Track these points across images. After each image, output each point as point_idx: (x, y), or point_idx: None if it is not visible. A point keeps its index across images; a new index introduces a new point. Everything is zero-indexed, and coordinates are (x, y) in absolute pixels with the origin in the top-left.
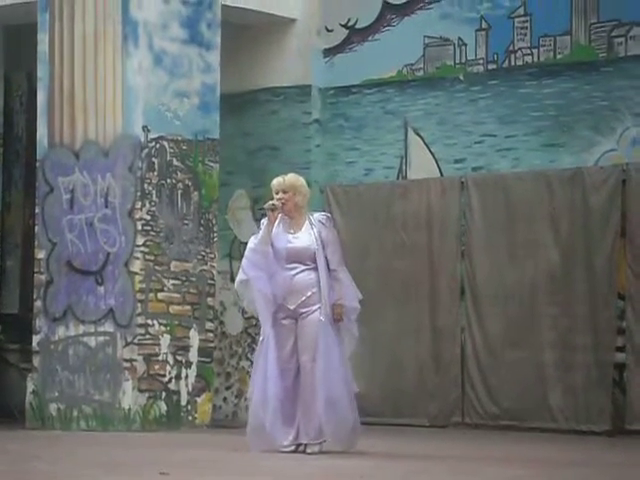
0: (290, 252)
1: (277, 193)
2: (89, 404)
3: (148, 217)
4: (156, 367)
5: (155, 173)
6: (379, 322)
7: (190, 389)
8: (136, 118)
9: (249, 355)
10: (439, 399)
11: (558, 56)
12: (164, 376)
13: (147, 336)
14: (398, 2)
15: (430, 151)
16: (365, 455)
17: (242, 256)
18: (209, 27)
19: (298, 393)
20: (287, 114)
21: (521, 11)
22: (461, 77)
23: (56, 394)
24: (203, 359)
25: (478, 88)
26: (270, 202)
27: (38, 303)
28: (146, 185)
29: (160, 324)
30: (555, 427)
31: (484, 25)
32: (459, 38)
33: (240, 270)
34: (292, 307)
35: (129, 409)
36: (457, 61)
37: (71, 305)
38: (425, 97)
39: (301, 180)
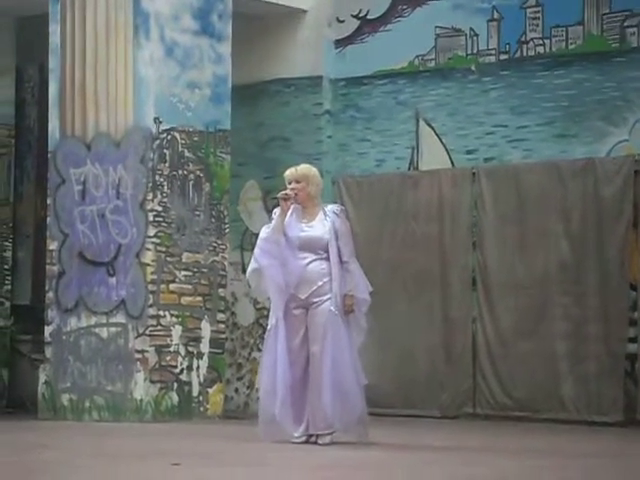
0: (303, 241)
1: (290, 183)
2: (101, 395)
3: (159, 208)
4: (168, 358)
5: (167, 164)
6: (390, 313)
7: (202, 380)
8: (147, 109)
9: (260, 346)
10: (450, 390)
11: (570, 47)
12: (176, 367)
13: (159, 327)
14: None
15: (442, 142)
16: (376, 446)
17: (253, 247)
18: (220, 18)
19: (307, 384)
20: (298, 105)
21: (533, 1)
22: (473, 68)
23: (68, 385)
24: (214, 350)
25: (490, 79)
26: (283, 192)
27: (50, 294)
28: (157, 176)
29: (172, 315)
30: (567, 418)
31: (496, 15)
32: (471, 29)
33: (252, 259)
34: (303, 297)
35: (141, 400)
36: (469, 52)
37: (83, 296)
38: (437, 88)
39: (314, 170)
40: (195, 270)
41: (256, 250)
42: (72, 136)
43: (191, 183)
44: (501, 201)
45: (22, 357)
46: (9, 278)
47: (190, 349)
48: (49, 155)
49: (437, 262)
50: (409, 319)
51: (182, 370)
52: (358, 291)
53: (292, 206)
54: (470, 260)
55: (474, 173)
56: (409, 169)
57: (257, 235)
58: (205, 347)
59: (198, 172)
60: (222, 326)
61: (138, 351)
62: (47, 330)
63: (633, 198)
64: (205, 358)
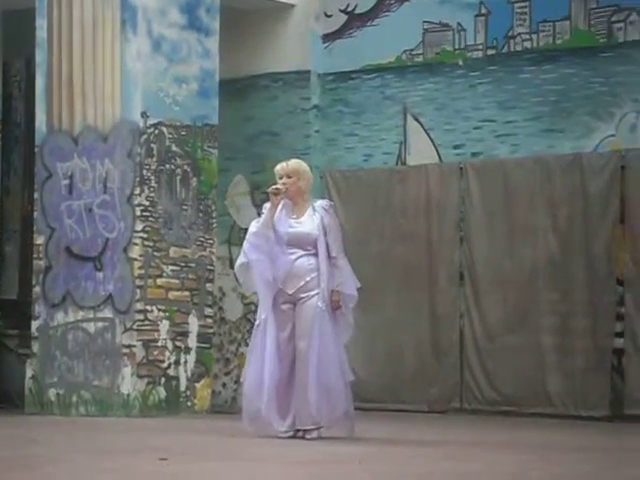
0: (292, 237)
1: (281, 178)
2: (88, 390)
3: (147, 203)
4: (155, 353)
5: (154, 159)
6: (378, 308)
7: (189, 375)
8: (135, 104)
9: (248, 341)
10: (438, 385)
11: (557, 41)
12: (163, 362)
13: (146, 322)
14: None
15: (429, 137)
16: (364, 440)
17: (241, 242)
18: (208, 12)
19: (293, 379)
20: (286, 100)
21: None
22: (460, 63)
23: (55, 380)
24: (202, 345)
25: (477, 74)
26: (273, 186)
27: (37, 289)
28: (145, 171)
29: (159, 310)
30: (554, 412)
31: (483, 10)
32: (458, 23)
33: (241, 253)
34: (291, 292)
35: (128, 395)
36: (456, 46)
37: (70, 291)
38: (424, 83)
39: (304, 165)
40: (182, 265)
41: (245, 244)
42: (59, 130)
43: (178, 178)
44: (488, 196)
45: (9, 352)
46: None
47: (177, 344)
48: (36, 149)
49: (425, 257)
50: (396, 314)
51: (169, 365)
52: (345, 287)
53: (282, 201)
54: (458, 255)
55: (462, 168)
56: (397, 164)
57: (245, 230)
58: (192, 342)
59: (185, 167)
60: (210, 321)
61: (125, 346)
62: (34, 325)
63: (620, 193)
64: (192, 353)
